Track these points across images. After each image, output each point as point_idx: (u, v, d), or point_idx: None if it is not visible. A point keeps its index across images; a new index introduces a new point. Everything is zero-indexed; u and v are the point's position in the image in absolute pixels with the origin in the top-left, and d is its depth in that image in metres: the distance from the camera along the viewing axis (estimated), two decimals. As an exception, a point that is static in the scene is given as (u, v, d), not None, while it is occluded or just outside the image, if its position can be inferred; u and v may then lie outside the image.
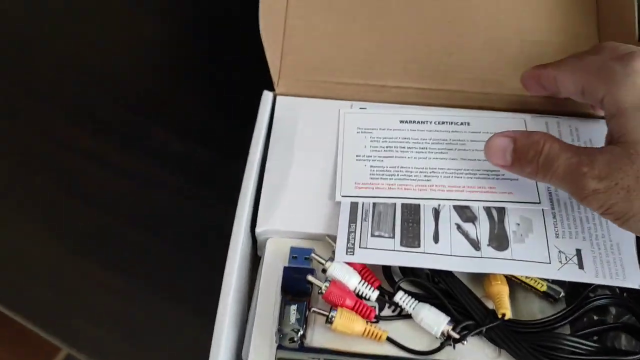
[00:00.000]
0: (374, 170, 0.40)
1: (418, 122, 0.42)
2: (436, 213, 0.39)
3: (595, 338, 0.36)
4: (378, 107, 0.44)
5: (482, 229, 0.38)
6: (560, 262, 0.37)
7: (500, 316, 0.35)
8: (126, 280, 0.45)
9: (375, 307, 0.37)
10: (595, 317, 0.37)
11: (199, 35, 0.60)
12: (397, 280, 0.37)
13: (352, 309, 0.36)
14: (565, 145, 0.34)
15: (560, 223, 0.38)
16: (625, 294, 0.37)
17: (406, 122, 0.43)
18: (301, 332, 0.34)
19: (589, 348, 0.35)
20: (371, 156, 0.41)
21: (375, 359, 0.34)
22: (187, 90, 0.55)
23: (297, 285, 0.36)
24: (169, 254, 0.46)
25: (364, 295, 0.37)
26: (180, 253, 0.46)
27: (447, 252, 0.37)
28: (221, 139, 0.47)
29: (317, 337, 0.36)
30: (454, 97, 0.46)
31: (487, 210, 0.39)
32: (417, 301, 0.36)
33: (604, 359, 0.34)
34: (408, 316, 0.36)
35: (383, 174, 0.40)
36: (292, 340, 0.34)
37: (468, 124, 0.42)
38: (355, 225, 0.38)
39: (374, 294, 0.37)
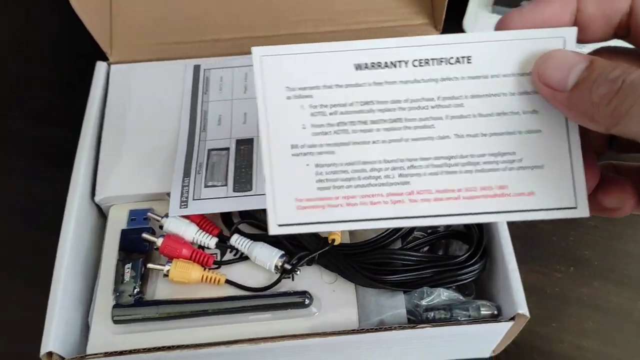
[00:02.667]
0: (322, 173, 0.26)
1: (386, 64, 0.25)
2: (268, 155, 0.40)
3: (426, 248, 0.38)
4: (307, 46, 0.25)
5: (312, 164, 0.39)
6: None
7: (330, 242, 0.37)
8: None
9: (216, 254, 0.38)
10: (429, 230, 0.39)
11: (41, 18, 0.59)
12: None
13: (190, 258, 0.37)
14: None
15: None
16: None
17: (366, 66, 0.25)
18: (137, 288, 0.35)
19: (417, 258, 0.37)
20: (315, 145, 0.25)
21: (210, 302, 0.35)
22: (35, 74, 0.55)
23: (136, 246, 0.37)
24: (29, 240, 0.46)
25: (203, 244, 0.38)
26: (41, 238, 0.45)
27: (278, 190, 0.38)
28: (74, 117, 0.47)
29: (160, 291, 0.37)
30: (292, 40, 0.47)
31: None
32: (250, 241, 0.37)
33: (431, 265, 0.36)
34: (248, 258, 0.38)
35: (337, 179, 0.25)
36: (130, 296, 0.35)
37: (469, 59, 0.25)
38: (189, 179, 0.39)
39: (212, 242, 0.38)
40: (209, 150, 0.40)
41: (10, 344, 0.42)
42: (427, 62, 0.25)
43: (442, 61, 0.25)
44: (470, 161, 0.25)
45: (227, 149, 0.40)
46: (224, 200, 0.38)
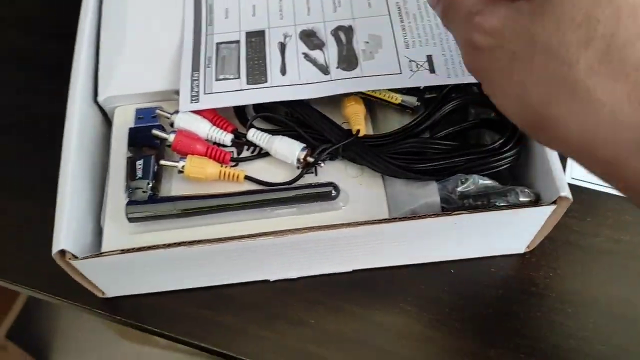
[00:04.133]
0: None
1: None
2: (282, 46, 0.37)
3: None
4: None
5: (330, 54, 0.36)
6: (412, 70, 0.35)
7: (355, 133, 0.34)
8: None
9: (233, 152, 0.36)
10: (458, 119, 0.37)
11: None
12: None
13: (205, 154, 0.34)
14: None
15: (410, 33, 0.37)
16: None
17: None
18: (150, 184, 0.33)
19: (449, 146, 0.34)
20: None
21: (230, 196, 0.33)
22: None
23: (145, 143, 0.35)
24: (22, 150, 0.43)
25: (218, 141, 0.35)
26: (35, 148, 0.43)
27: (295, 81, 0.35)
28: (65, 28, 0.43)
29: (175, 189, 0.34)
30: None
31: (335, 34, 0.37)
32: (269, 134, 0.35)
33: (464, 153, 0.34)
34: (268, 154, 0.35)
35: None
36: (144, 192, 0.33)
37: None
38: (199, 73, 0.36)
39: (227, 138, 0.35)
40: (217, 44, 0.37)
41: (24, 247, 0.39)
42: None
43: None
44: None
45: (237, 41, 0.37)
46: (237, 93, 0.35)
